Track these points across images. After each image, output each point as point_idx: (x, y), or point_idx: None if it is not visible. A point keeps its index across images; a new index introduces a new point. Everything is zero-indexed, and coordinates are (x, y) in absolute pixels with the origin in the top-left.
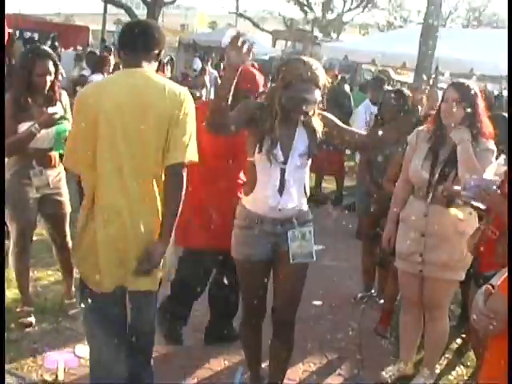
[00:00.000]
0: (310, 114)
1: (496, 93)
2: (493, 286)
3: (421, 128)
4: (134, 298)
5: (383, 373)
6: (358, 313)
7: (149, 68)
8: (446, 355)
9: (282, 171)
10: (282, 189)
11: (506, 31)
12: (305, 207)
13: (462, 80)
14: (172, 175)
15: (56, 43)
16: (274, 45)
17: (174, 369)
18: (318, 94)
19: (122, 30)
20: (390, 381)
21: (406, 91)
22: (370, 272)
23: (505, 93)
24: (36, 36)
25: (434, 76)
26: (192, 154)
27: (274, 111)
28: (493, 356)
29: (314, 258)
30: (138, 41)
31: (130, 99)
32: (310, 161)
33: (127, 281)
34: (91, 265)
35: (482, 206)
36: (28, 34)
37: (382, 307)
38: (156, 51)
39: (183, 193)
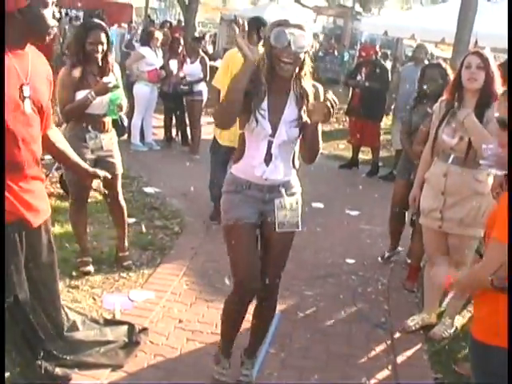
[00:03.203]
0: (303, 68)
1: None
2: None
3: (443, 98)
4: None
5: (408, 321)
6: (388, 271)
7: None
8: (469, 309)
9: (270, 143)
10: (268, 160)
11: None
12: (293, 178)
13: (479, 50)
14: None
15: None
16: (315, 21)
17: None
18: (307, 35)
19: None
20: (414, 328)
21: (446, 65)
22: (395, 233)
23: None
24: (81, 14)
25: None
26: None
27: (263, 77)
28: None
29: (300, 228)
30: None
31: None
32: (298, 133)
33: None
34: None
35: (500, 172)
36: (74, 12)
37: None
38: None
39: None
